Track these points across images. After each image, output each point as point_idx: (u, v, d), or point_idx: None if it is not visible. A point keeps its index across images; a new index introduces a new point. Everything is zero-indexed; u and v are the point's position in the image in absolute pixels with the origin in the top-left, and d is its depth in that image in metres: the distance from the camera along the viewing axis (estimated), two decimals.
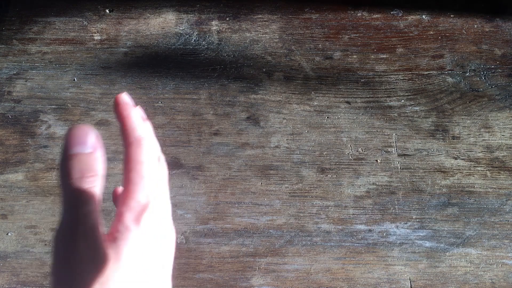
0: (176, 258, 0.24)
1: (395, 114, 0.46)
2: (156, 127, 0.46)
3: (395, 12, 0.51)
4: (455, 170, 0.44)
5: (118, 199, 0.28)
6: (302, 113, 0.46)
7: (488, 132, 0.46)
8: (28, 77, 0.48)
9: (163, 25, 0.50)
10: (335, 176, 0.44)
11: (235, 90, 0.47)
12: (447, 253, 0.42)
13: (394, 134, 0.46)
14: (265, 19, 0.51)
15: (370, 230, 0.43)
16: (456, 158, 0.45)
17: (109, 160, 0.45)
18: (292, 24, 0.50)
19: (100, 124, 0.46)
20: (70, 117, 0.46)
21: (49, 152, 0.45)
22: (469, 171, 0.44)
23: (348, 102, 0.47)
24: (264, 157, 0.44)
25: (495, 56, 0.49)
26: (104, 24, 0.50)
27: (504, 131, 0.46)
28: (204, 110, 0.47)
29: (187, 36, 0.50)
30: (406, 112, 0.46)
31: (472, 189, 0.44)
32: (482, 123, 0.46)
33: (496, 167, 0.45)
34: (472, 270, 0.42)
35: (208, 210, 0.43)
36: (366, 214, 0.43)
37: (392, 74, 0.48)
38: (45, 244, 0.42)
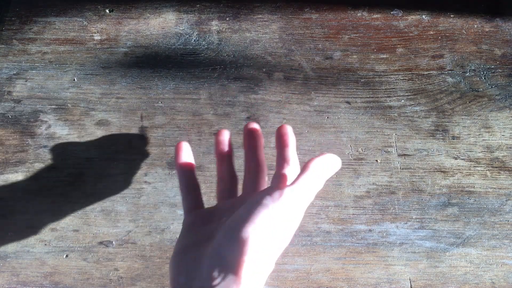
0: None
1: (395, 114, 0.46)
2: (156, 127, 0.46)
3: (395, 12, 0.51)
4: (455, 170, 0.44)
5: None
6: (302, 113, 0.46)
7: (488, 132, 0.46)
8: (28, 77, 0.48)
9: (163, 25, 0.50)
10: (335, 176, 0.44)
11: (235, 90, 0.47)
12: (447, 253, 0.42)
13: (394, 134, 0.46)
14: (265, 19, 0.51)
15: (370, 230, 0.43)
16: (456, 158, 0.45)
17: (109, 160, 0.45)
18: (292, 24, 0.50)
19: (100, 124, 0.46)
20: (70, 117, 0.46)
21: (49, 152, 0.45)
22: (469, 171, 0.44)
23: (348, 102, 0.47)
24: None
25: (495, 56, 0.49)
26: (104, 24, 0.50)
27: (504, 131, 0.46)
28: (204, 110, 0.47)
29: (187, 36, 0.50)
30: (406, 112, 0.46)
31: (472, 189, 0.44)
32: (482, 123, 0.46)
33: (496, 167, 0.45)
34: (472, 270, 0.42)
35: None
36: (366, 214, 0.43)
37: (392, 74, 0.48)
38: (45, 244, 0.42)
